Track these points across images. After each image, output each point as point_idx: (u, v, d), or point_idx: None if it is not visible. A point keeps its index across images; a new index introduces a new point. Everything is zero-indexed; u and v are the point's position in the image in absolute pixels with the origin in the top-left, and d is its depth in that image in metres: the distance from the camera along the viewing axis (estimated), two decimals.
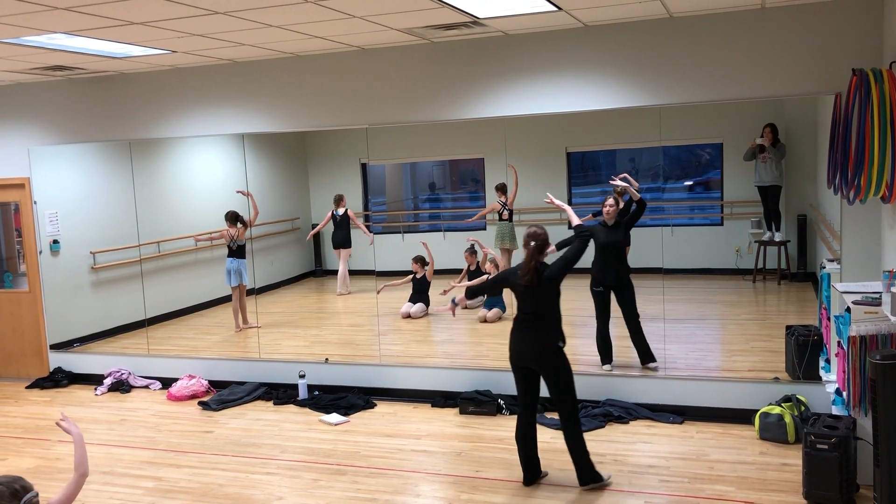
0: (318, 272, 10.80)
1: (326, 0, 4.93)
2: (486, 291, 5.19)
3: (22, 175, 8.28)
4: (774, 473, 5.08)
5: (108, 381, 7.89)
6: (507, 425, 6.21)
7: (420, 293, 9.22)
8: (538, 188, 8.92)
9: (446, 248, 9.38)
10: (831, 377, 5.74)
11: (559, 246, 5.81)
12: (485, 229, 9.37)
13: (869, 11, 5.53)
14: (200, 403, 7.18)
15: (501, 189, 8.98)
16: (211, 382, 7.59)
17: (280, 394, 7.26)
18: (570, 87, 6.39)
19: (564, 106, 6.40)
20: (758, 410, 5.77)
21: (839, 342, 5.12)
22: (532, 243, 4.89)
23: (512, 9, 5.50)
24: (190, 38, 5.98)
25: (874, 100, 4.46)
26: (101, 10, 4.90)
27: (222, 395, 7.28)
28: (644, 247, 7.41)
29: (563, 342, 4.92)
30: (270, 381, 7.48)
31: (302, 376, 7.16)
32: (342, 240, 9.97)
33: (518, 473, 5.20)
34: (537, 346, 4.92)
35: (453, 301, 5.47)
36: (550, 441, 5.70)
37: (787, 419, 5.57)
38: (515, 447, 5.10)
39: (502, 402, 6.49)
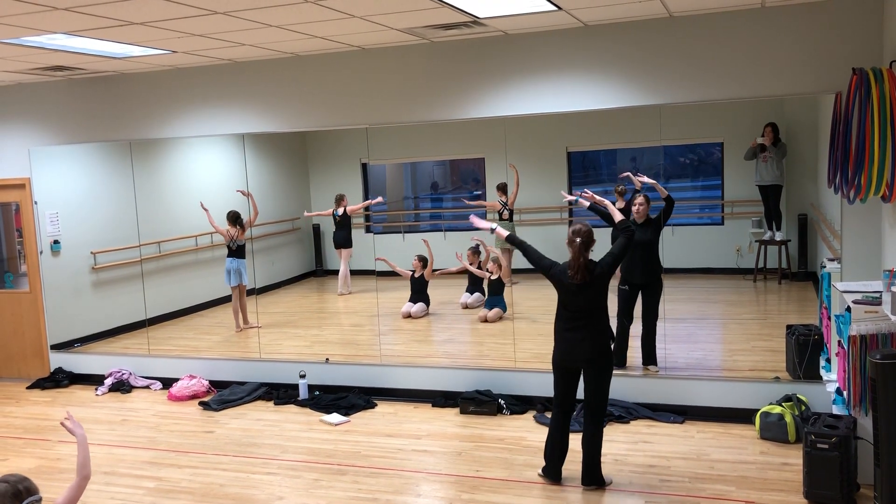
0: (319, 272, 10.79)
1: (326, 0, 4.93)
2: (530, 256, 5.00)
3: (22, 175, 8.28)
4: (775, 473, 5.08)
5: (108, 382, 7.90)
6: (507, 425, 6.21)
7: (419, 293, 9.23)
8: (539, 188, 8.94)
9: (447, 248, 9.37)
10: (832, 377, 5.74)
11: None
12: None
13: (869, 10, 5.53)
14: (201, 403, 7.18)
15: (502, 189, 8.98)
16: (211, 382, 7.59)
17: (281, 394, 7.26)
18: (571, 87, 6.39)
19: (565, 105, 6.40)
20: (758, 410, 5.77)
21: (840, 341, 5.12)
22: (578, 240, 4.74)
23: (512, 8, 5.50)
24: (190, 38, 5.98)
25: (874, 99, 4.46)
26: (101, 11, 4.90)
27: (223, 395, 7.28)
28: None
29: (614, 340, 4.97)
30: (271, 381, 7.48)
31: (302, 376, 7.17)
32: (343, 240, 9.97)
33: (518, 473, 5.21)
34: (591, 346, 4.83)
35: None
36: None
37: (788, 419, 5.57)
38: (516, 447, 5.09)
39: (503, 401, 6.49)
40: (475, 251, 9.12)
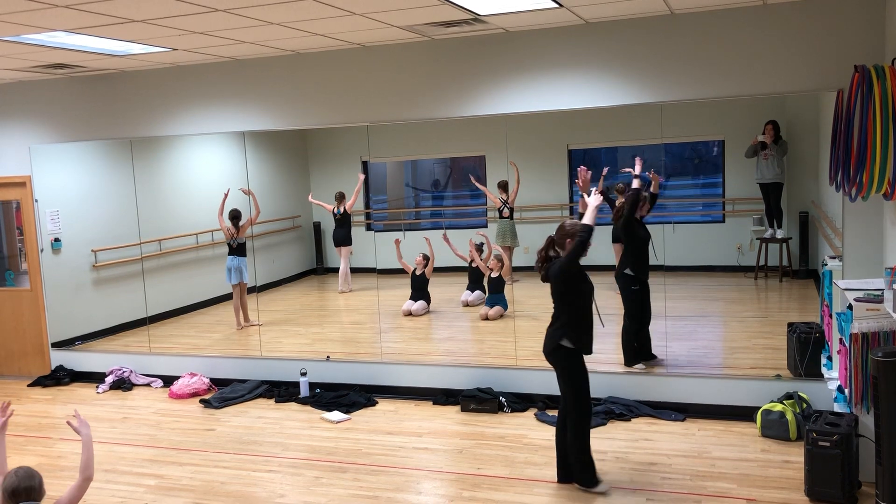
0: (320, 270, 10.79)
1: None
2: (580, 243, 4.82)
3: (23, 173, 8.28)
4: (776, 471, 5.08)
5: (109, 379, 7.90)
6: (508, 423, 6.21)
7: (420, 290, 9.23)
8: (540, 185, 8.93)
9: (448, 246, 9.37)
10: (833, 374, 5.74)
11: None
12: (486, 227, 9.38)
13: (871, 7, 5.52)
14: (202, 401, 7.18)
15: (503, 186, 8.98)
16: (212, 380, 7.59)
17: (281, 391, 7.26)
18: (572, 84, 6.38)
19: (566, 103, 6.40)
20: (760, 408, 5.77)
21: (841, 339, 5.12)
22: (550, 235, 4.86)
23: (513, 6, 5.49)
24: (190, 36, 5.97)
25: (876, 96, 4.45)
26: (101, 8, 4.90)
27: (224, 392, 7.28)
28: None
29: (572, 343, 4.75)
30: (272, 379, 7.48)
31: (303, 374, 7.17)
32: (343, 238, 9.97)
33: (519, 470, 5.21)
34: (545, 341, 4.88)
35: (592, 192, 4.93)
36: (550, 439, 5.68)
37: (789, 416, 5.57)
38: (517, 445, 5.09)
39: (504, 399, 6.49)
40: (478, 248, 9.13)
